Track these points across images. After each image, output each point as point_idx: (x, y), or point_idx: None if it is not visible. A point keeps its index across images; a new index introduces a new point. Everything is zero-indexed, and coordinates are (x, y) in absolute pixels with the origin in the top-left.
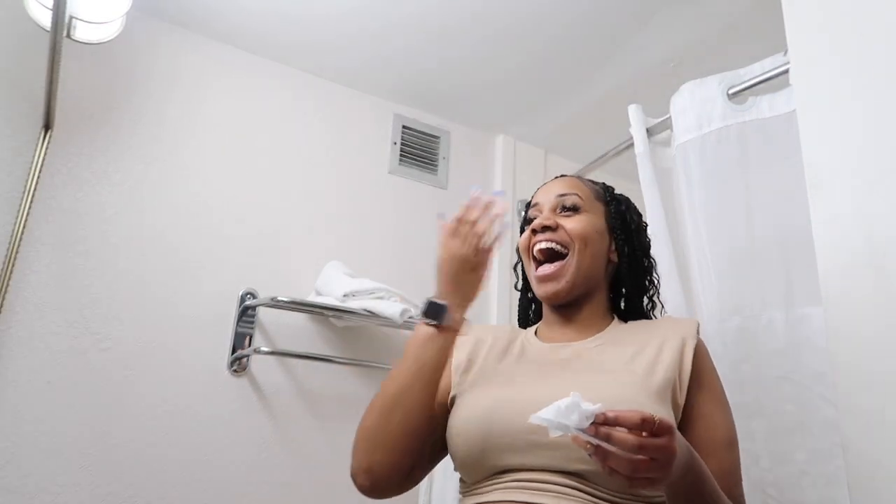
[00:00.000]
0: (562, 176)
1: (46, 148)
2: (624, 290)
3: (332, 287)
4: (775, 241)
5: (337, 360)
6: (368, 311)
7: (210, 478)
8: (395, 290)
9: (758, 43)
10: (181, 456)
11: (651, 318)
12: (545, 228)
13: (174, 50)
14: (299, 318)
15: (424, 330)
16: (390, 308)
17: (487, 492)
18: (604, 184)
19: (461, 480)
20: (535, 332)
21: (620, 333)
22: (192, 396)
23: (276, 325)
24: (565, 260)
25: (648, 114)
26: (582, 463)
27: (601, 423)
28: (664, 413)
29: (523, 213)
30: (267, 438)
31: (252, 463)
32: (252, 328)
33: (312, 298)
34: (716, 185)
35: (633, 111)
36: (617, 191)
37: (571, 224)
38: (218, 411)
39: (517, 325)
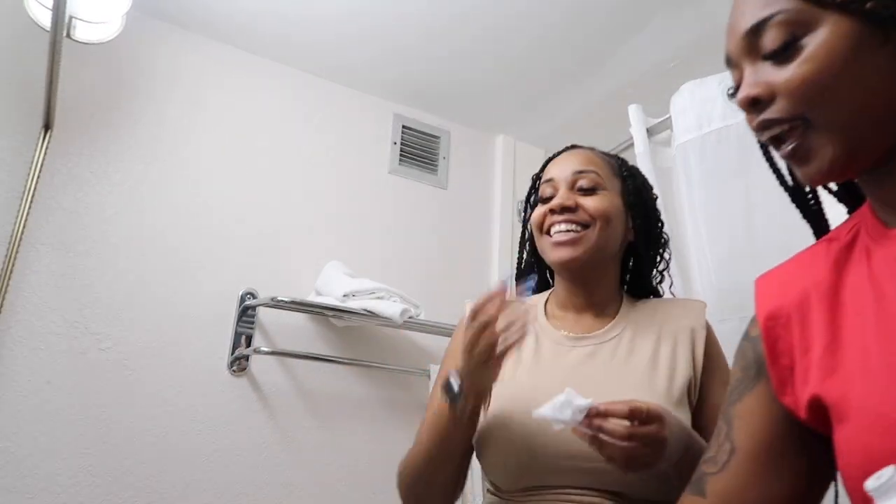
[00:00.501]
0: (574, 147)
1: (46, 148)
2: (632, 264)
3: (332, 287)
4: (775, 241)
5: (337, 360)
6: (368, 311)
7: (210, 478)
8: (395, 290)
9: None
10: (181, 456)
11: (659, 294)
12: (564, 209)
13: (174, 50)
14: (299, 318)
15: (441, 404)
16: (390, 308)
17: (521, 502)
18: (618, 157)
19: (490, 481)
20: (545, 310)
21: (633, 323)
22: (192, 396)
23: (276, 325)
24: (582, 231)
25: (648, 114)
26: (620, 484)
27: (594, 416)
28: (685, 417)
29: (531, 187)
30: (267, 438)
31: (252, 463)
32: (252, 328)
33: (312, 298)
34: (716, 185)
35: (633, 111)
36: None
37: (592, 203)
38: (218, 411)
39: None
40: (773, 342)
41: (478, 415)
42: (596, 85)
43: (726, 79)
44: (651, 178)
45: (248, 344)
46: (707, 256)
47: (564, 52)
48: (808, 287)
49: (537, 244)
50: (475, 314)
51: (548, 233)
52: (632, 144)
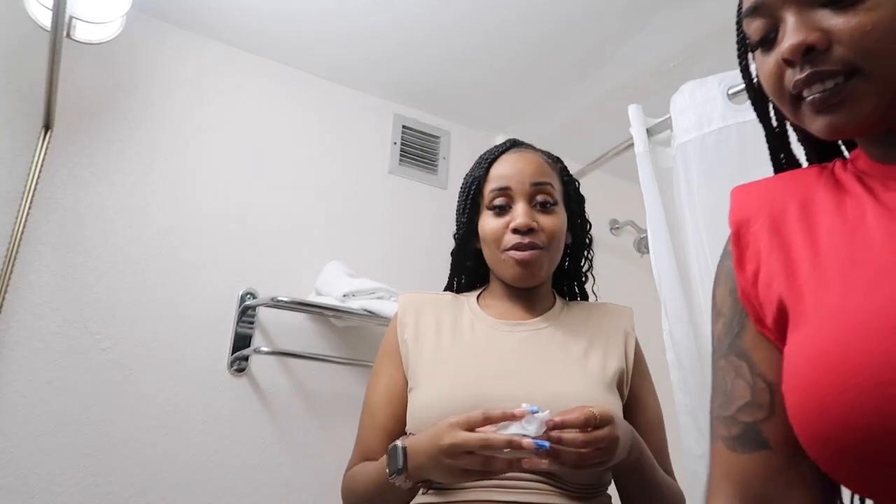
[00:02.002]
0: (517, 145)
1: (46, 148)
2: (567, 264)
3: (332, 287)
4: None
5: (337, 360)
6: (368, 311)
7: (210, 478)
8: (395, 290)
9: None
10: (181, 456)
11: (587, 296)
12: (530, 230)
13: (174, 50)
14: (299, 318)
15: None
16: (390, 308)
17: (460, 490)
18: (555, 157)
19: None
20: (478, 301)
21: (569, 317)
22: (192, 396)
23: (276, 325)
24: (541, 252)
25: (648, 114)
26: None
27: (551, 429)
28: (615, 403)
29: (474, 188)
30: (267, 438)
31: (252, 463)
32: (252, 328)
33: (312, 298)
34: (716, 185)
35: (633, 111)
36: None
37: (550, 224)
38: (218, 411)
39: (447, 290)
40: (742, 248)
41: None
42: (596, 85)
43: (726, 79)
44: (651, 178)
45: (249, 344)
46: (707, 256)
47: (564, 53)
48: (790, 200)
49: (490, 254)
50: (485, 421)
51: (507, 249)
52: (632, 144)
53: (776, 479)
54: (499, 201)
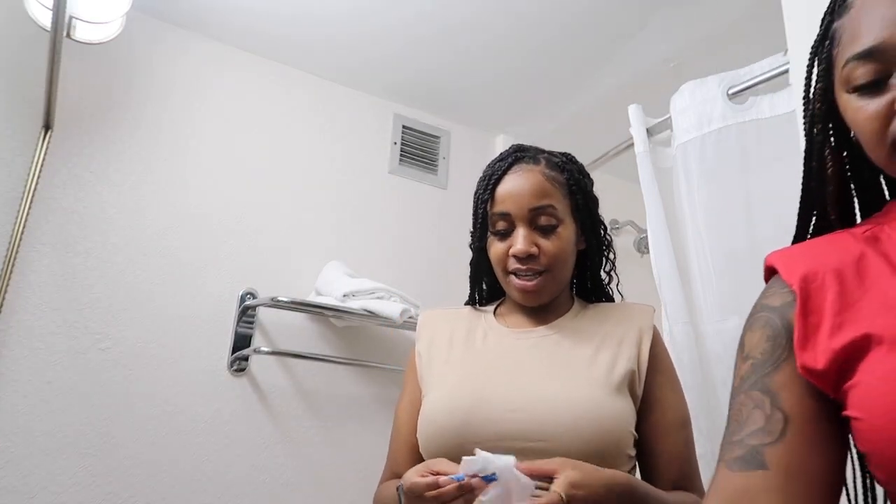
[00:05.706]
0: (520, 159)
1: (46, 148)
2: (582, 267)
3: (332, 287)
4: (775, 241)
5: (337, 360)
6: (368, 311)
7: (210, 478)
8: (395, 290)
9: (758, 43)
10: (181, 456)
11: (611, 297)
12: (529, 257)
13: (174, 50)
14: (299, 318)
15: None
16: (390, 308)
17: None
18: (564, 165)
19: None
20: (495, 313)
21: (582, 322)
22: (192, 396)
23: (276, 325)
24: (543, 276)
25: (648, 114)
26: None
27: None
28: (621, 407)
29: (482, 209)
30: (267, 438)
31: (252, 463)
32: (252, 328)
33: (312, 298)
34: (716, 185)
35: (633, 111)
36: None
37: (551, 248)
38: (218, 411)
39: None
40: (805, 300)
41: None
42: (596, 85)
43: (726, 79)
44: (651, 178)
45: (249, 344)
46: (707, 257)
47: (564, 52)
48: (843, 258)
49: (497, 274)
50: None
51: (511, 272)
52: (632, 144)
53: (765, 498)
54: (500, 226)
